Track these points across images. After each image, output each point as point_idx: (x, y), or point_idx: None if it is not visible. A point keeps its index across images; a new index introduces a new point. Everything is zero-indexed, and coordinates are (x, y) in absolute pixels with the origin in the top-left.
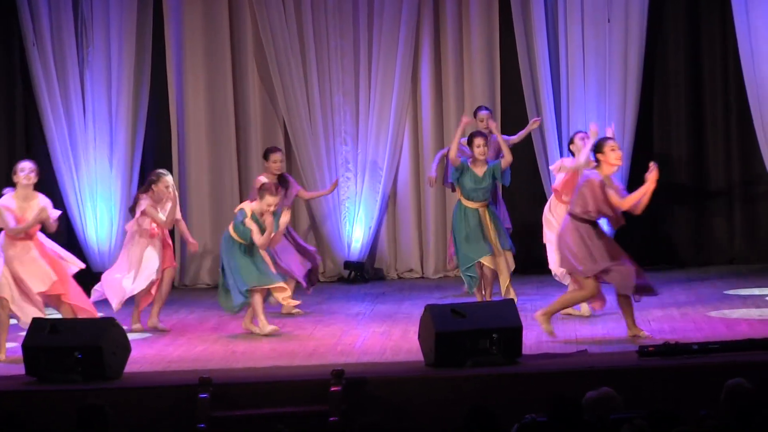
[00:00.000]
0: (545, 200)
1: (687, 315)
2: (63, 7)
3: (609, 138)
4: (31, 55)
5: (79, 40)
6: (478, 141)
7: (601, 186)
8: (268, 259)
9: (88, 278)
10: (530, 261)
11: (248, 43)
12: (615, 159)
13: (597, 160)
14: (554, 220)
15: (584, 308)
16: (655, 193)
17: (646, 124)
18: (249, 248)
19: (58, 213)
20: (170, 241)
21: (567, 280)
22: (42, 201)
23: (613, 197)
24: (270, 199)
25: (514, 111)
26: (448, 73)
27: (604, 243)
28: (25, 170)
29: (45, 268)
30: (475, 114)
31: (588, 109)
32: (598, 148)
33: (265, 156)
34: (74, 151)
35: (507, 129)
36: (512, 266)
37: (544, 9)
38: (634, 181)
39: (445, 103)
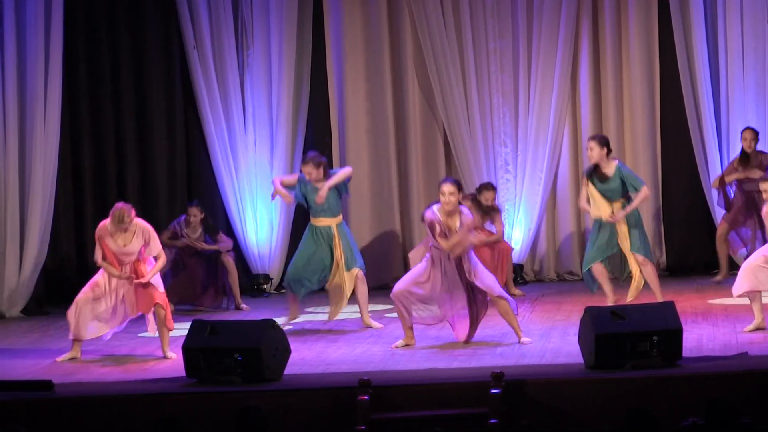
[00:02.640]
0: (706, 205)
1: None
2: (223, 10)
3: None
4: (191, 58)
5: (238, 43)
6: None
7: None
8: None
9: (246, 281)
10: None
11: (407, 44)
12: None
13: None
14: None
15: None
16: None
17: None
18: None
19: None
20: None
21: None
22: (136, 244)
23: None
24: None
25: (673, 112)
26: (606, 73)
27: None
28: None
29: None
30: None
31: (747, 110)
32: None
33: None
34: (234, 153)
35: (666, 130)
36: None
37: (702, 9)
38: None
39: (604, 104)
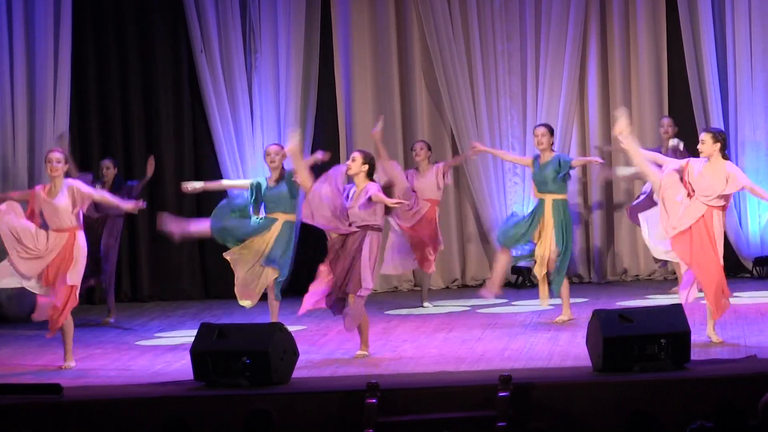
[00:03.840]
0: None
1: None
2: (231, 14)
3: None
4: (199, 61)
5: (246, 46)
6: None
7: None
8: None
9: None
10: None
11: (415, 46)
12: None
13: None
14: None
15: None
16: None
17: None
18: None
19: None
20: None
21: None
22: (62, 196)
23: None
24: None
25: (681, 114)
26: (615, 75)
27: None
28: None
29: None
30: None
31: (755, 112)
32: None
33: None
34: (242, 156)
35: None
36: None
37: (711, 12)
38: None
39: (612, 106)
